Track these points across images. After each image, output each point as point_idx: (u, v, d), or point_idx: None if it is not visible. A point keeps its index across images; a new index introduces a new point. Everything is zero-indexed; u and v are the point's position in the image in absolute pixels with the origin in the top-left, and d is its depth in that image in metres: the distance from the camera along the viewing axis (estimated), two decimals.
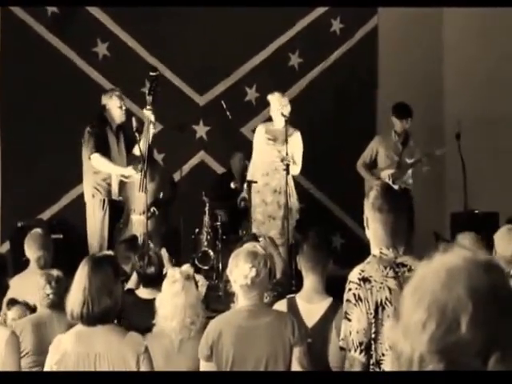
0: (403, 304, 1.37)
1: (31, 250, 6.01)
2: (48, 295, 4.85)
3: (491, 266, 1.36)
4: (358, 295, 3.55)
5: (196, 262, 7.79)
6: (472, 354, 1.28)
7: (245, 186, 7.94)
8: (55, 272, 5.01)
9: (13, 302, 5.22)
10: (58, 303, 4.81)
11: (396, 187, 8.26)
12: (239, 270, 3.89)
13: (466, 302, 1.30)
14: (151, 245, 5.79)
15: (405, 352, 1.34)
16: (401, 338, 1.35)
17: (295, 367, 3.83)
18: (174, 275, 4.41)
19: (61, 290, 4.80)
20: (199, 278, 4.59)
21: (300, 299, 4.48)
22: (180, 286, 4.34)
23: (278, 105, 7.78)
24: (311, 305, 4.43)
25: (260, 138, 7.94)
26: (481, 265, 1.35)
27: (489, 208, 8.48)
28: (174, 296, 4.33)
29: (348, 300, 3.59)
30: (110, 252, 4.55)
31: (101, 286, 3.57)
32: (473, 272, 1.33)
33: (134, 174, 7.34)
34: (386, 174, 8.33)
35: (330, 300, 4.42)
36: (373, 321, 3.54)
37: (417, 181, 8.90)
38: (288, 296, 4.68)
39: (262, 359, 3.83)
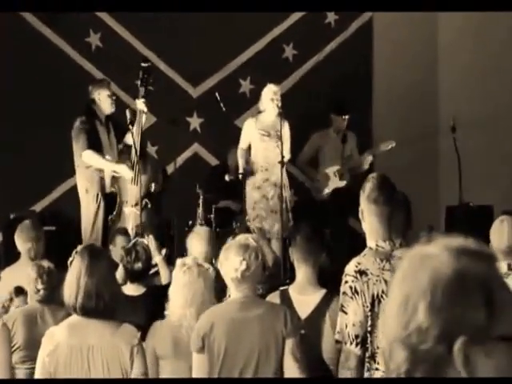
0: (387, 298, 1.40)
1: (22, 242, 5.98)
2: (39, 290, 4.77)
3: (464, 251, 1.34)
4: (355, 288, 3.54)
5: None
6: (432, 339, 1.29)
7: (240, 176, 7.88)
8: (46, 263, 4.93)
9: (20, 291, 5.16)
10: (49, 297, 4.75)
11: (344, 183, 8.36)
12: (229, 263, 3.88)
13: (425, 289, 1.31)
14: (139, 239, 5.73)
15: (382, 345, 1.40)
16: (381, 331, 1.37)
17: (288, 359, 3.83)
18: (185, 263, 4.39)
19: (52, 282, 4.74)
20: (207, 265, 4.59)
21: (293, 291, 4.48)
22: (196, 271, 4.33)
23: (273, 94, 7.72)
24: (304, 296, 4.42)
25: (252, 133, 7.87)
26: (451, 251, 1.34)
27: (483, 201, 8.46)
28: (191, 283, 4.30)
29: (344, 293, 3.58)
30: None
31: (101, 279, 3.59)
32: (441, 259, 1.33)
33: (127, 173, 7.30)
34: (331, 171, 8.42)
35: (323, 291, 4.41)
36: (369, 314, 3.53)
37: (411, 174, 8.87)
38: (281, 288, 4.68)
39: (254, 351, 3.83)
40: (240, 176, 7.82)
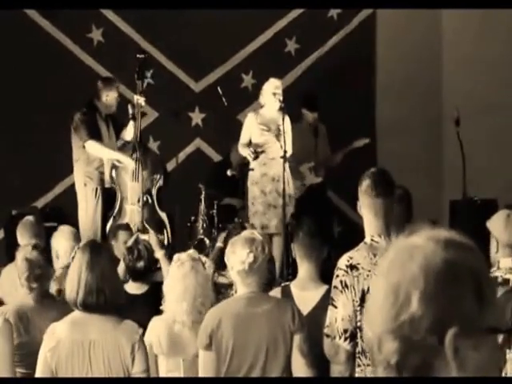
0: (369, 291, 1.39)
1: (24, 238, 5.96)
2: (33, 289, 4.63)
3: (451, 243, 1.34)
4: (345, 282, 3.55)
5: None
6: (424, 329, 1.28)
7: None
8: (34, 255, 4.71)
9: None
10: (43, 292, 4.61)
11: (319, 180, 8.34)
12: (236, 256, 3.89)
13: (417, 278, 1.30)
14: (140, 236, 5.70)
15: (368, 337, 1.36)
16: (366, 325, 1.35)
17: (296, 354, 3.84)
18: (180, 258, 4.42)
19: (44, 276, 4.62)
20: (205, 259, 4.59)
21: (294, 287, 4.49)
22: (189, 266, 4.35)
23: (275, 89, 7.69)
24: (306, 292, 4.43)
25: (253, 127, 7.83)
26: (440, 242, 1.34)
27: (487, 195, 8.42)
28: (183, 278, 4.33)
29: (335, 287, 3.60)
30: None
31: (102, 274, 3.62)
32: (430, 249, 1.32)
33: (130, 163, 7.29)
34: (305, 168, 8.41)
35: (325, 288, 4.39)
36: (358, 308, 3.53)
37: (414, 168, 8.84)
38: (282, 284, 4.68)
39: (262, 347, 3.84)
40: (252, 157, 7.69)
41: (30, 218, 6.25)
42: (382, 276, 1.35)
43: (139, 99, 7.39)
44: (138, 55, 7.44)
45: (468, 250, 1.35)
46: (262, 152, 7.70)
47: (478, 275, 1.32)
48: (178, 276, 4.34)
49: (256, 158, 7.67)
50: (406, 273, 1.31)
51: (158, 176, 7.68)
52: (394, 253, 1.36)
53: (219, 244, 6.46)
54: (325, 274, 4.46)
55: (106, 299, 3.60)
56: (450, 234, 1.36)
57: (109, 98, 7.55)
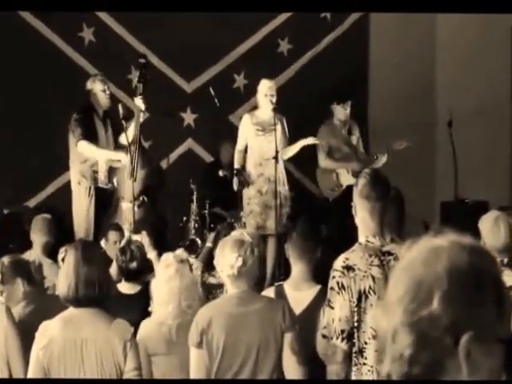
0: (388, 283, 1.41)
1: (39, 235, 6.02)
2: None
3: (475, 249, 1.36)
4: (342, 283, 3.56)
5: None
6: (441, 328, 1.29)
7: (235, 179, 7.82)
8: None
9: None
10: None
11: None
12: (226, 260, 3.89)
13: (441, 278, 1.31)
14: (133, 238, 5.69)
15: (382, 327, 1.36)
16: (381, 314, 1.38)
17: (287, 353, 3.85)
18: (167, 259, 4.40)
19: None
20: (193, 261, 4.57)
21: (288, 287, 4.48)
22: (174, 269, 4.32)
23: (267, 90, 7.69)
24: (299, 292, 4.42)
25: (248, 128, 7.84)
26: (464, 247, 1.36)
27: (479, 197, 8.45)
28: (168, 280, 4.31)
29: (331, 288, 3.60)
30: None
31: (100, 268, 3.64)
32: (455, 252, 1.34)
33: (123, 158, 7.28)
34: (344, 168, 8.23)
35: (318, 288, 4.40)
36: (355, 309, 3.55)
37: (407, 169, 8.85)
38: (276, 284, 4.68)
39: (254, 346, 3.85)
40: (236, 187, 7.71)
41: (46, 215, 6.33)
42: (404, 269, 1.36)
43: (140, 102, 7.40)
44: (139, 60, 7.48)
45: (492, 260, 1.38)
46: (251, 184, 7.67)
47: (499, 285, 1.34)
48: (164, 278, 4.33)
49: (243, 186, 7.65)
50: (429, 271, 1.33)
51: (154, 176, 7.68)
52: (418, 251, 1.37)
53: (208, 244, 6.46)
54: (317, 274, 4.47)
55: (105, 293, 3.62)
56: (474, 241, 1.38)
57: (95, 91, 7.55)
